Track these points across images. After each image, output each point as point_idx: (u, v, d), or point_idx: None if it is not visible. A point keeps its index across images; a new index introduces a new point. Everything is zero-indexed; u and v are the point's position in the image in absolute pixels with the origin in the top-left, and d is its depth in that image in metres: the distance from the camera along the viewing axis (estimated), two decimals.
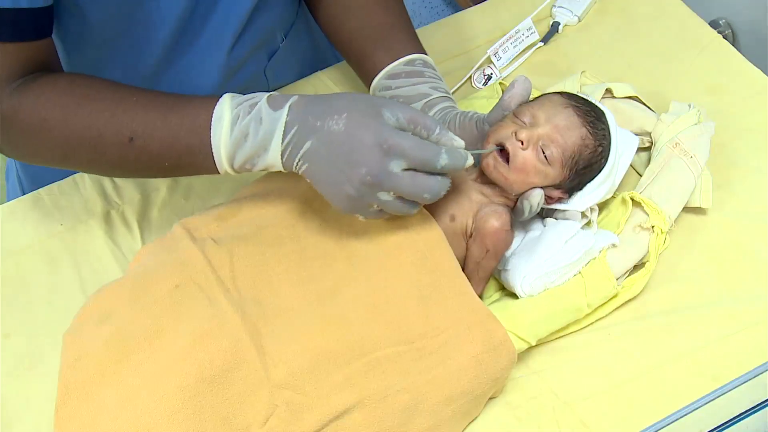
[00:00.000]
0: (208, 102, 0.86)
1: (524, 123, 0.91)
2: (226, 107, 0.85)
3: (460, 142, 0.84)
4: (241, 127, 0.85)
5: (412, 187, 0.82)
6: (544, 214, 0.98)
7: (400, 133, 0.81)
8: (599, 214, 0.99)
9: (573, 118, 0.92)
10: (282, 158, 0.85)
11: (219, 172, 0.88)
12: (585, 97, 0.97)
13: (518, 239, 0.97)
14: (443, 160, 0.82)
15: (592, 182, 0.95)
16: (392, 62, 1.00)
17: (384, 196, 0.83)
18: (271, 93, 0.86)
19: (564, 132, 0.91)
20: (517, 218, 0.94)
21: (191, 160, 0.87)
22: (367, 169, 0.80)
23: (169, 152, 0.87)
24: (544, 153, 0.90)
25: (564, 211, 0.96)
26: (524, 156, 0.89)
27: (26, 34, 0.85)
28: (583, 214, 0.96)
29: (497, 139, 0.90)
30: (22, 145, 0.90)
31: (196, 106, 0.87)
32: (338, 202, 0.84)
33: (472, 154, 0.85)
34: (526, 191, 0.91)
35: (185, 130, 0.86)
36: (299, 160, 0.84)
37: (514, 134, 0.90)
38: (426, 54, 1.02)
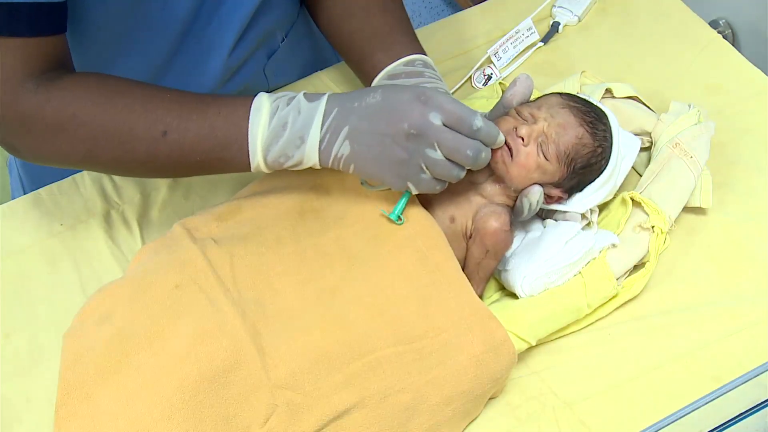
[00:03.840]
0: (245, 97, 0.88)
1: (524, 120, 0.92)
2: (264, 99, 0.87)
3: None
4: (280, 116, 0.86)
5: (454, 142, 0.83)
6: (543, 216, 0.98)
7: (436, 90, 0.84)
8: (599, 214, 0.99)
9: (570, 118, 0.93)
10: (320, 146, 0.86)
11: (250, 168, 0.88)
12: (586, 98, 0.97)
13: (518, 240, 0.97)
14: (479, 122, 0.84)
15: (592, 184, 0.95)
16: (392, 63, 1.00)
17: (432, 153, 0.83)
18: (305, 92, 0.88)
19: (560, 129, 0.91)
20: (517, 218, 0.94)
21: (224, 153, 0.87)
22: (409, 122, 0.83)
23: (202, 145, 0.87)
24: (542, 149, 0.90)
25: (564, 212, 0.96)
26: (526, 152, 0.90)
27: (43, 29, 0.85)
28: (583, 216, 0.96)
29: (504, 133, 0.91)
30: (44, 144, 0.88)
31: (233, 99, 0.88)
32: (388, 172, 0.85)
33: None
34: (525, 188, 0.91)
35: (222, 119, 0.87)
36: (340, 146, 0.85)
37: (514, 130, 0.90)
38: (426, 55, 1.02)
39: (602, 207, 1.00)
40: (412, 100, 0.83)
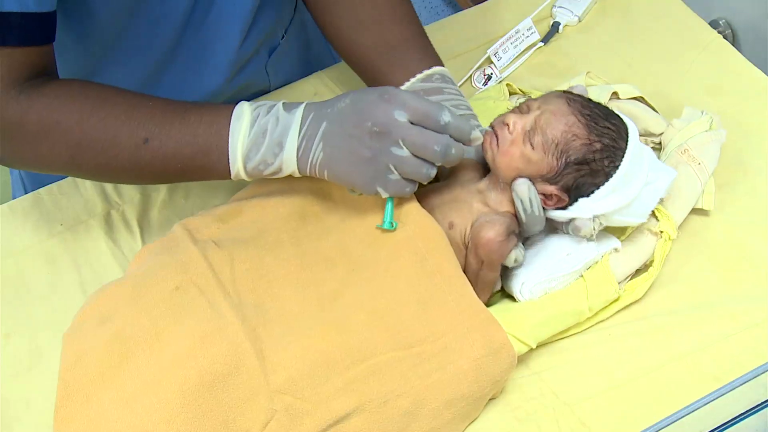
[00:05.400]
0: (226, 105, 0.89)
1: (518, 111, 0.91)
2: (246, 108, 0.88)
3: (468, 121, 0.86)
4: (260, 124, 0.86)
5: (420, 138, 0.83)
6: (552, 227, 0.95)
7: (401, 89, 0.85)
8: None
9: (563, 107, 0.90)
10: (298, 153, 0.86)
11: (230, 176, 0.89)
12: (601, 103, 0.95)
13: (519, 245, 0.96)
14: (446, 116, 0.83)
15: (599, 190, 0.91)
16: (408, 80, 0.98)
17: (398, 151, 0.83)
18: (284, 101, 0.89)
19: (550, 117, 0.89)
20: (522, 228, 0.91)
21: (205, 160, 0.88)
22: (372, 120, 0.83)
23: (183, 152, 0.87)
24: (529, 137, 0.89)
25: (576, 226, 0.92)
26: (511, 139, 0.89)
27: (32, 40, 0.85)
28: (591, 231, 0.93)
29: (491, 123, 0.91)
30: (27, 150, 0.89)
31: (215, 107, 0.89)
32: (356, 174, 0.85)
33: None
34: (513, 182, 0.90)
35: (204, 127, 0.87)
36: (315, 151, 0.85)
37: (503, 118, 0.90)
38: (443, 65, 1.00)
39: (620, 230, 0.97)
40: (377, 99, 0.84)
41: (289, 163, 0.87)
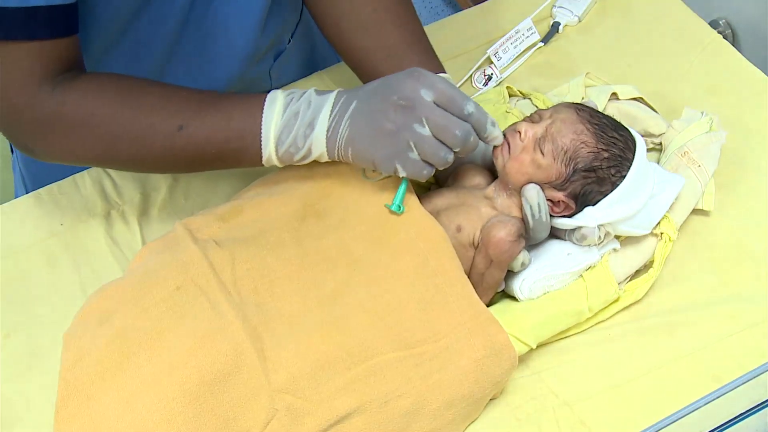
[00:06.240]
0: (257, 94, 0.90)
1: (530, 120, 0.93)
2: (279, 94, 0.89)
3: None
4: (292, 108, 0.88)
5: (443, 119, 0.84)
6: (557, 234, 0.95)
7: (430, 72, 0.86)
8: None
9: (572, 116, 0.92)
10: (327, 133, 0.87)
11: (262, 161, 0.90)
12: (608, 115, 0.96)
13: None
14: (470, 106, 0.85)
15: (605, 199, 0.91)
16: None
17: (420, 129, 0.84)
18: (315, 88, 0.91)
19: (561, 125, 0.91)
20: (529, 234, 0.91)
21: (238, 144, 0.89)
22: (399, 94, 0.84)
23: (217, 137, 0.88)
24: (539, 144, 0.90)
25: (580, 233, 0.92)
26: (522, 146, 0.90)
27: (59, 31, 0.85)
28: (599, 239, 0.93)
29: (504, 131, 0.92)
30: (62, 144, 0.89)
31: (247, 95, 0.90)
32: (377, 149, 0.86)
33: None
34: (522, 187, 0.91)
35: (238, 111, 0.89)
36: (342, 130, 0.86)
37: (515, 126, 0.92)
38: (444, 71, 1.00)
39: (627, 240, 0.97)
40: (404, 77, 0.85)
41: (318, 143, 0.88)
